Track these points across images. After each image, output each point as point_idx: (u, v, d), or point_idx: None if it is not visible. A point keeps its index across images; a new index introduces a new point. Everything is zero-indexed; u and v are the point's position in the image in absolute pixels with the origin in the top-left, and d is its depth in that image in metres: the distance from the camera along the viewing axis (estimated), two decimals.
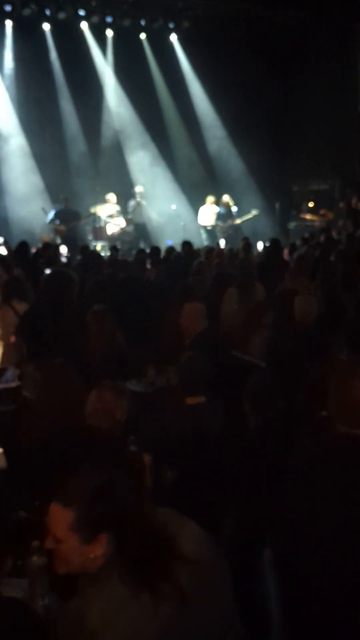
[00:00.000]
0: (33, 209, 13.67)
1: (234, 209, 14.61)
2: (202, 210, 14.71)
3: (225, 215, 14.44)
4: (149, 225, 14.75)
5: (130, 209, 14.47)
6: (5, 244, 11.08)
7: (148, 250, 10.89)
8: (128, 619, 1.77)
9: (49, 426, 3.33)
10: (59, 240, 13.00)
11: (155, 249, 10.54)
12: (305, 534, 2.34)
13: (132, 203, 14.48)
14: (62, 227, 13.31)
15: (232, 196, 15.05)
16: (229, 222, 14.32)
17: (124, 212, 14.55)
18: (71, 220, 13.54)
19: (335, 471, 2.38)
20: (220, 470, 3.20)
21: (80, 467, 2.07)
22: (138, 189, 14.57)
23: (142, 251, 10.96)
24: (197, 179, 15.99)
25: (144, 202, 14.45)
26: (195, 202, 15.32)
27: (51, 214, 13.40)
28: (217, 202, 14.74)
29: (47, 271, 7.02)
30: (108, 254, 11.40)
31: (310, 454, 2.52)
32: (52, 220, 13.37)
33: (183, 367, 3.92)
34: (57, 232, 13.25)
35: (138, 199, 14.41)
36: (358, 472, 2.34)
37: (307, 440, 2.61)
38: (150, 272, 8.77)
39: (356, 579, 2.25)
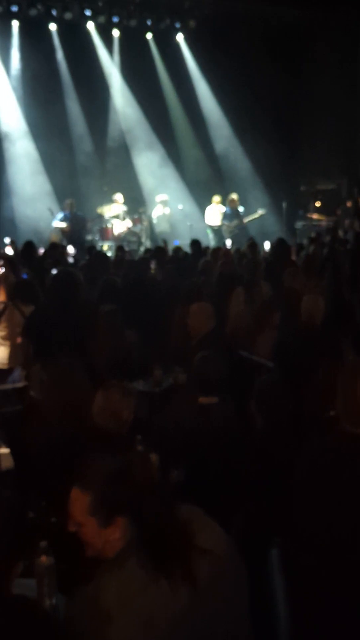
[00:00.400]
0: (40, 209, 13.69)
1: (241, 208, 14.57)
2: (209, 210, 14.71)
3: (231, 215, 14.40)
4: (172, 232, 14.75)
5: (155, 220, 14.44)
6: (12, 244, 11.10)
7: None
8: (143, 601, 1.78)
9: (55, 426, 3.33)
10: (66, 242, 13.00)
11: (161, 249, 10.54)
12: (313, 534, 2.33)
13: (156, 212, 14.42)
14: (67, 228, 13.27)
15: (239, 196, 15.03)
16: (236, 221, 14.29)
17: (130, 212, 14.57)
18: (77, 225, 13.56)
19: (343, 471, 2.37)
20: (229, 470, 3.19)
21: (97, 453, 2.12)
22: (161, 197, 14.50)
23: (148, 251, 10.97)
24: (203, 179, 15.98)
25: (167, 212, 14.40)
26: (202, 202, 15.31)
27: (58, 217, 13.37)
28: (224, 202, 14.72)
29: (54, 271, 7.03)
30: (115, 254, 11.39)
31: (318, 454, 2.51)
32: (59, 222, 13.36)
33: (197, 367, 3.92)
34: (62, 232, 13.24)
35: (162, 208, 14.35)
36: None
37: (315, 441, 2.60)
38: (158, 272, 8.76)
39: None
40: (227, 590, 1.96)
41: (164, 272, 8.79)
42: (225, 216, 14.36)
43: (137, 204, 15.31)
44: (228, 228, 14.16)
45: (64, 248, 11.42)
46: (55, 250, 10.32)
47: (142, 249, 13.64)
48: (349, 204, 14.89)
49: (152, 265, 9.19)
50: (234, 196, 14.48)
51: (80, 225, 13.58)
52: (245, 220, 14.39)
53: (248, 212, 14.70)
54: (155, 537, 1.89)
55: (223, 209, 14.68)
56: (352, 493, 2.35)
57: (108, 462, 2.03)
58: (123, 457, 2.03)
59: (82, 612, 1.83)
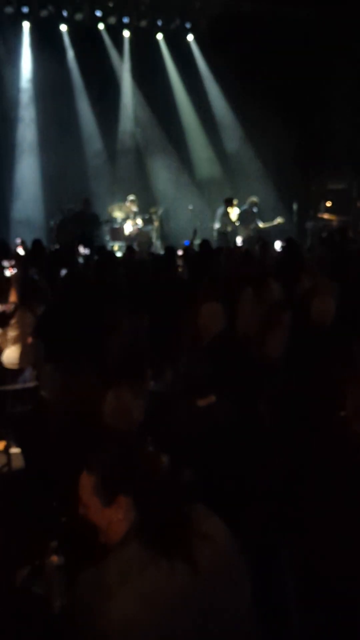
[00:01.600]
0: (50, 209, 13.74)
1: (255, 209, 14.48)
2: (219, 212, 14.72)
3: (249, 217, 14.29)
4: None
5: (218, 217, 14.33)
6: (22, 244, 11.15)
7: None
8: (144, 579, 1.86)
9: (66, 426, 3.34)
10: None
11: (171, 250, 10.54)
12: (322, 534, 2.33)
13: (220, 210, 14.30)
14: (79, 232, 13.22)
15: (251, 195, 15.01)
16: (252, 225, 14.18)
17: (142, 212, 14.59)
18: (87, 224, 13.58)
19: (352, 472, 2.37)
20: (236, 470, 3.19)
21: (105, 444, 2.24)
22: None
23: (156, 252, 10.98)
24: (214, 179, 15.98)
25: (230, 210, 14.31)
26: (213, 202, 15.32)
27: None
28: (239, 204, 14.72)
29: (63, 271, 7.05)
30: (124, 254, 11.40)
31: (327, 455, 2.50)
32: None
33: (187, 370, 3.93)
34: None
35: (226, 206, 14.24)
36: None
37: (325, 442, 2.59)
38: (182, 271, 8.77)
39: None
40: (227, 579, 2.01)
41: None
42: (242, 216, 14.28)
43: (147, 204, 15.34)
44: (245, 230, 14.08)
45: (73, 248, 11.45)
46: (65, 250, 10.35)
47: (152, 249, 13.66)
48: (359, 204, 14.84)
49: (180, 263, 9.16)
50: (255, 198, 14.37)
51: (91, 223, 13.60)
52: (263, 226, 14.30)
53: (261, 214, 14.64)
54: (157, 519, 1.98)
55: (236, 210, 14.67)
56: None
57: (112, 446, 2.18)
58: (126, 442, 2.20)
59: (86, 588, 1.92)
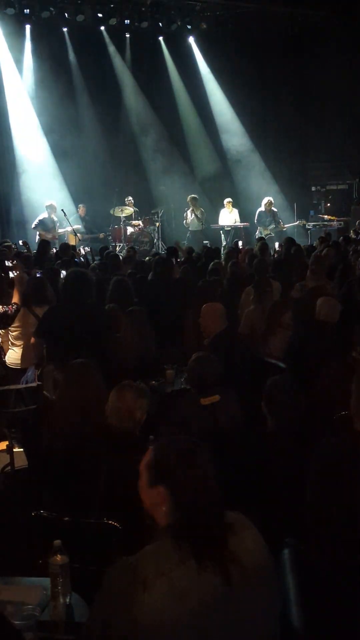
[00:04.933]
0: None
1: (274, 209, 14.46)
2: (223, 212, 14.77)
3: (268, 218, 14.26)
4: (206, 230, 14.74)
5: (186, 218, 14.44)
6: (25, 244, 11.17)
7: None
8: (179, 575, 1.89)
9: (69, 426, 3.35)
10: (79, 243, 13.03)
11: (172, 250, 10.56)
12: (324, 534, 2.33)
13: (187, 213, 14.42)
14: (49, 235, 13.16)
15: (251, 197, 15.03)
16: (272, 226, 14.16)
17: (142, 213, 14.62)
18: (86, 232, 13.63)
19: (356, 471, 2.37)
20: (240, 470, 3.20)
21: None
22: (191, 197, 14.44)
23: (158, 252, 10.99)
24: (215, 179, 15.99)
25: (197, 210, 14.42)
26: (214, 203, 15.34)
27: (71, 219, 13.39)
28: (235, 205, 14.77)
29: (64, 272, 7.05)
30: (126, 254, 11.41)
31: (331, 454, 2.50)
32: (35, 227, 13.27)
33: (191, 370, 3.95)
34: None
35: (192, 208, 14.36)
36: None
37: (328, 441, 2.59)
38: (176, 271, 8.76)
39: None
40: (259, 595, 2.02)
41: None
42: (260, 218, 14.30)
43: (149, 205, 15.36)
44: (264, 231, 14.06)
45: (75, 249, 11.47)
46: (67, 251, 10.37)
47: (153, 250, 13.68)
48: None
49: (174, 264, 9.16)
50: (269, 199, 14.35)
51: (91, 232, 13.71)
52: (285, 226, 14.29)
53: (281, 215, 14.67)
54: (195, 521, 2.00)
55: (235, 211, 14.71)
56: None
57: (180, 439, 2.24)
58: (193, 443, 2.20)
59: (121, 576, 1.93)
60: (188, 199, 14.38)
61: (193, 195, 14.43)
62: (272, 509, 2.95)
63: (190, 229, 14.41)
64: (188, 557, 1.93)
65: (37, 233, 13.07)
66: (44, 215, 13.30)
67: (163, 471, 2.10)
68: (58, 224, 13.36)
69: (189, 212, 14.36)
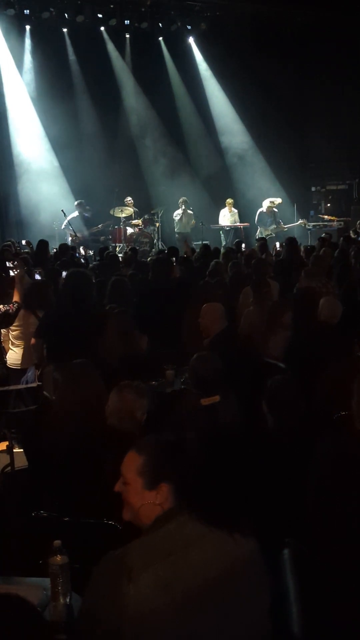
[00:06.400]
0: (54, 210, 13.77)
1: (275, 209, 14.48)
2: (223, 212, 14.78)
3: (269, 219, 14.29)
4: (206, 231, 14.79)
5: (176, 219, 14.47)
6: (28, 244, 11.18)
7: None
8: (165, 567, 1.90)
9: (69, 426, 3.35)
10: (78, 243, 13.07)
11: (173, 250, 10.56)
12: (325, 534, 2.33)
13: (177, 214, 14.46)
14: (78, 235, 13.33)
15: (252, 196, 15.03)
16: (274, 226, 14.17)
17: (142, 213, 14.63)
18: (86, 228, 13.64)
19: (356, 473, 2.37)
20: (239, 470, 3.20)
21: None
22: (182, 200, 14.51)
23: (162, 252, 10.99)
24: (215, 179, 15.99)
25: (189, 211, 14.42)
26: (214, 203, 15.34)
27: (65, 222, 13.47)
28: (235, 205, 14.78)
29: (64, 273, 7.05)
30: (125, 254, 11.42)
31: (332, 454, 2.50)
32: (66, 227, 13.45)
33: (193, 368, 3.94)
34: (72, 239, 13.27)
35: (183, 209, 14.38)
36: None
37: (329, 441, 2.59)
38: (176, 271, 8.76)
39: None
40: (248, 585, 2.03)
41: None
42: (261, 219, 14.29)
43: (149, 205, 15.37)
44: (265, 232, 14.09)
45: (75, 249, 11.48)
46: (66, 251, 10.37)
47: (154, 250, 13.69)
48: None
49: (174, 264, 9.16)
50: (272, 199, 14.40)
51: (89, 226, 13.71)
52: (286, 227, 14.31)
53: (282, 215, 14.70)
54: (207, 496, 2.06)
55: (235, 211, 14.74)
56: None
57: (167, 434, 2.35)
58: (182, 434, 2.34)
59: (107, 568, 1.96)
60: (180, 201, 14.39)
61: (184, 198, 14.42)
62: (272, 509, 2.95)
63: (177, 230, 14.43)
64: (175, 550, 1.94)
65: (68, 233, 13.14)
66: (74, 214, 13.38)
67: (162, 469, 2.13)
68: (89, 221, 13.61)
69: (178, 213, 14.36)
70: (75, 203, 13.75)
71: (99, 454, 3.08)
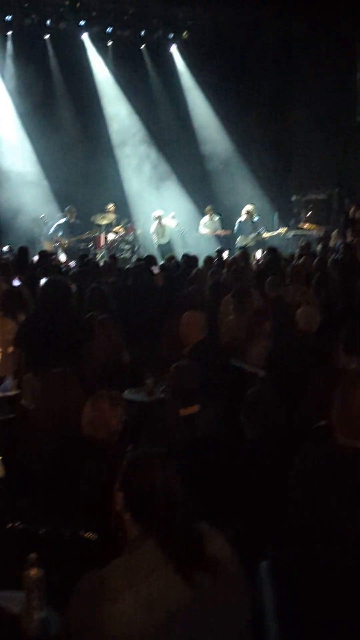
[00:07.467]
0: (35, 216, 13.72)
1: (256, 218, 14.46)
2: (203, 220, 14.82)
3: (248, 227, 14.35)
4: (173, 243, 14.77)
5: (152, 232, 14.48)
6: (10, 251, 11.11)
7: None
8: (149, 587, 1.88)
9: (47, 436, 3.32)
10: (60, 251, 13.02)
11: (151, 258, 10.56)
12: (305, 546, 2.33)
13: (153, 226, 14.47)
14: (65, 241, 13.35)
15: (234, 206, 15.09)
16: (253, 234, 14.21)
17: (123, 221, 14.64)
18: (74, 234, 13.60)
19: (336, 484, 2.36)
20: (218, 481, 3.18)
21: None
22: (156, 213, 14.52)
23: (140, 260, 10.97)
24: (197, 188, 16.01)
25: (164, 223, 14.43)
26: (196, 211, 15.38)
27: (53, 227, 13.43)
28: (215, 212, 14.85)
29: (43, 280, 7.01)
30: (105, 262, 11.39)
31: (311, 466, 2.50)
32: (55, 232, 13.40)
33: (172, 378, 3.92)
34: (60, 244, 13.24)
35: (158, 221, 14.39)
36: (356, 487, 2.31)
37: (308, 452, 2.58)
38: (158, 279, 8.74)
39: (357, 592, 2.23)
40: (229, 600, 2.02)
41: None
42: (241, 228, 14.34)
43: (129, 212, 15.36)
44: (244, 240, 14.11)
45: (55, 257, 11.43)
46: (46, 258, 10.30)
47: (134, 257, 13.68)
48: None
49: (155, 271, 9.16)
50: (250, 207, 14.40)
51: (76, 234, 13.67)
52: (265, 235, 14.35)
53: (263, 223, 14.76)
54: (166, 532, 2.01)
55: (216, 218, 14.80)
56: (346, 507, 2.33)
57: (145, 449, 2.28)
58: (146, 455, 2.19)
59: (89, 589, 1.93)
60: (154, 216, 14.43)
61: (158, 214, 14.47)
62: (251, 520, 2.93)
63: (158, 242, 14.46)
64: (158, 567, 1.92)
65: (54, 239, 13.10)
66: (62, 220, 13.36)
67: (122, 477, 2.13)
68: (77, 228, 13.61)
69: (154, 226, 14.39)
70: (66, 209, 13.70)
71: (75, 464, 3.06)
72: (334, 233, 13.82)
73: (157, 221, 14.46)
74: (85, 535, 2.76)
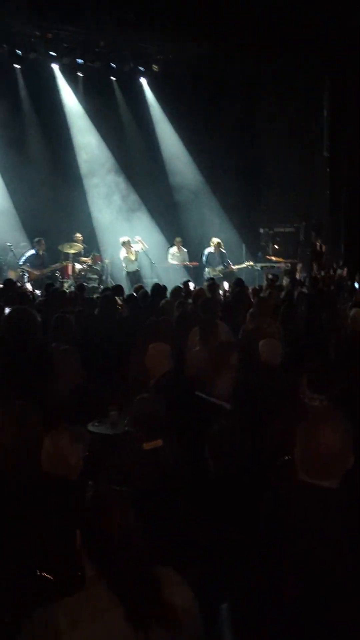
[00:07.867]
0: (2, 244, 13.64)
1: (222, 250, 14.61)
2: (171, 251, 14.88)
3: (216, 258, 14.41)
4: (142, 271, 14.78)
5: (122, 258, 14.45)
6: None
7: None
8: (94, 629, 1.86)
9: (4, 469, 3.21)
10: (26, 280, 12.92)
11: (119, 288, 10.51)
12: (263, 588, 2.26)
13: (122, 252, 14.45)
14: (35, 272, 13.26)
15: (202, 238, 15.20)
16: (221, 267, 14.30)
17: (91, 250, 14.63)
18: (43, 266, 13.54)
19: (296, 525, 2.30)
20: (181, 517, 3.11)
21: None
22: (123, 238, 14.53)
23: (107, 289, 10.93)
24: (165, 219, 16.11)
25: (133, 250, 14.43)
26: (165, 242, 15.44)
27: (23, 258, 13.35)
28: (184, 244, 14.95)
29: (7, 310, 6.89)
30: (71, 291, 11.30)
31: (271, 505, 2.44)
32: (24, 263, 13.32)
33: (135, 411, 3.85)
34: (29, 276, 13.12)
35: (126, 247, 14.39)
36: (319, 527, 2.27)
37: (269, 491, 2.53)
38: (124, 309, 8.69)
39: (318, 635, 2.17)
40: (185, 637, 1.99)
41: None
42: (209, 259, 14.40)
43: (98, 242, 15.35)
44: (212, 272, 14.17)
45: (20, 286, 11.32)
46: (10, 288, 10.18)
47: (102, 287, 13.63)
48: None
49: (119, 302, 9.11)
50: (217, 240, 14.56)
51: (45, 266, 13.64)
52: (234, 267, 14.45)
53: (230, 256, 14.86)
54: (119, 574, 1.98)
55: (184, 250, 14.89)
56: (306, 548, 2.28)
57: (103, 488, 2.25)
58: (105, 494, 2.17)
59: (35, 628, 1.91)
60: (121, 241, 14.43)
61: (125, 239, 14.47)
62: (213, 558, 2.86)
63: (126, 269, 14.45)
64: (106, 610, 1.89)
65: (25, 270, 13.01)
66: (31, 251, 13.24)
67: (81, 516, 2.11)
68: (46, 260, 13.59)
69: (123, 252, 14.40)
70: (35, 240, 13.64)
71: (33, 500, 2.96)
72: (300, 266, 13.99)
73: (124, 247, 14.45)
74: (43, 574, 2.67)
